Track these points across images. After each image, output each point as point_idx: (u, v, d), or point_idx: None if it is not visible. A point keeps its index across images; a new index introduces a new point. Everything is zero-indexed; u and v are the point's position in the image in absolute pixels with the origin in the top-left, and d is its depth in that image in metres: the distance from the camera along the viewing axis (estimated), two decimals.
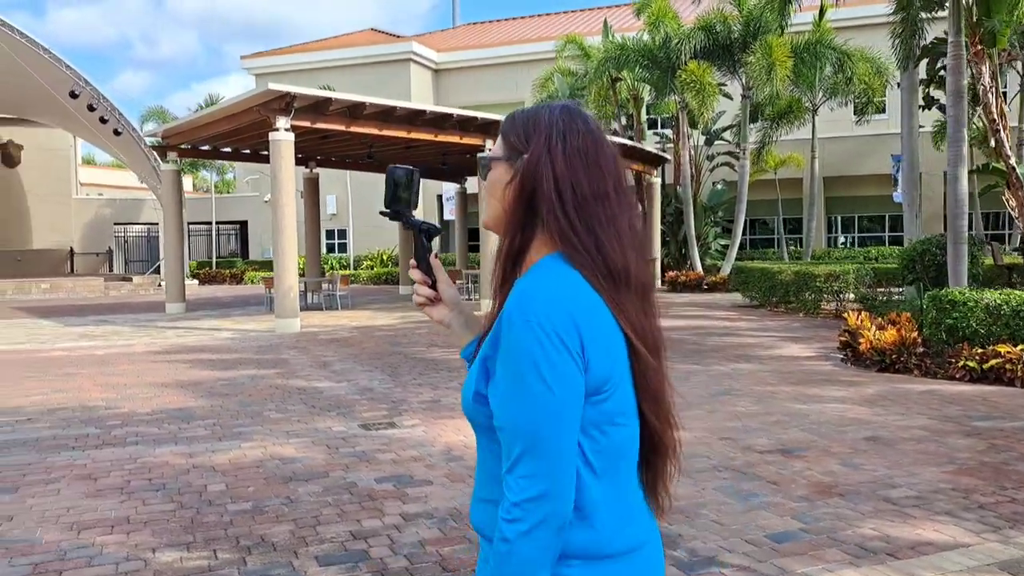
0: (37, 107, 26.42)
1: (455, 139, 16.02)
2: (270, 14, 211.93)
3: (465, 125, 15.99)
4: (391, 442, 5.84)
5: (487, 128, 16.23)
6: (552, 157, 1.22)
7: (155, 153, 23.68)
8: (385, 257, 30.89)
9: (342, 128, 14.51)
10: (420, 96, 30.53)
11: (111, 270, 33.74)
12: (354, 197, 30.42)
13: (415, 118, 15.31)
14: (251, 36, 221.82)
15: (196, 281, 29.20)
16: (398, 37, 33.32)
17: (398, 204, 1.37)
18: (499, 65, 32.47)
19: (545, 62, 29.10)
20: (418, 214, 1.43)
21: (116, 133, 22.38)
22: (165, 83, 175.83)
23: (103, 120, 21.86)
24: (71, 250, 33.07)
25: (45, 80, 20.70)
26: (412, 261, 1.42)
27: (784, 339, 11.50)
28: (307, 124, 13.89)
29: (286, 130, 13.58)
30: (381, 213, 1.43)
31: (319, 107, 13.92)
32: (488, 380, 1.21)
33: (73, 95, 20.80)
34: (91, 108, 21.38)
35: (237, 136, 16.85)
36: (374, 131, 14.86)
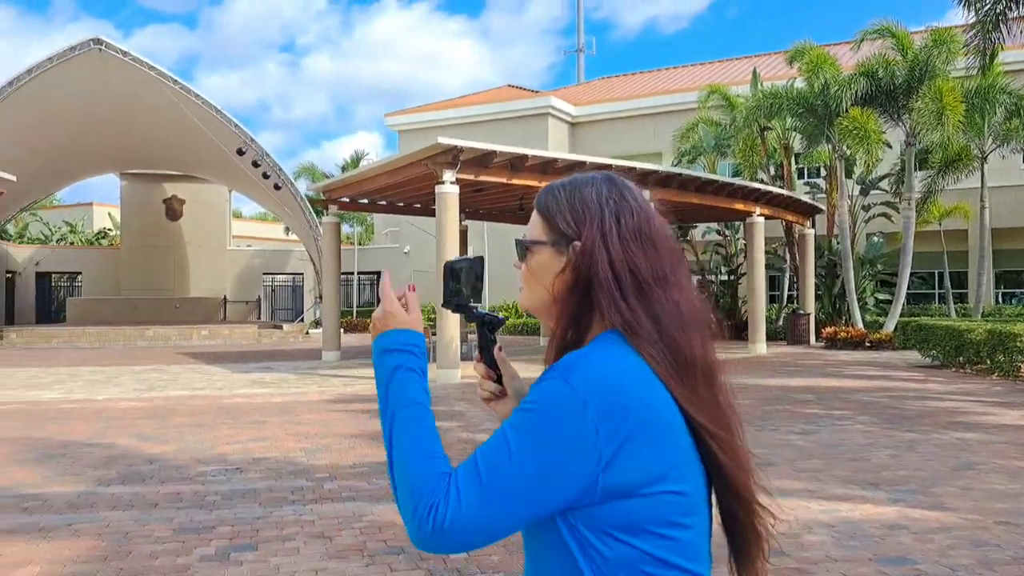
0: (202, 164, 28.32)
1: None
2: (396, 76, 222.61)
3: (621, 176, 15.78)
4: None
5: (643, 179, 16.01)
6: (607, 242, 1.13)
7: (308, 205, 24.80)
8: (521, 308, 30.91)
9: (503, 180, 14.57)
10: (557, 149, 30.74)
11: (259, 317, 35.36)
12: (491, 247, 30.75)
13: (574, 168, 15.19)
14: (377, 97, 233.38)
15: (341, 329, 30.08)
16: (535, 92, 33.89)
17: (460, 297, 1.29)
18: (636, 117, 32.41)
19: (682, 113, 28.84)
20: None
21: (276, 188, 23.55)
22: (299, 142, 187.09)
23: (265, 176, 23.07)
24: (224, 298, 34.89)
25: (215, 139, 22.10)
26: (476, 355, 1.35)
27: (995, 404, 10.41)
28: (471, 177, 14.02)
29: (452, 183, 13.75)
30: (443, 306, 1.33)
31: (483, 160, 14.04)
32: None
33: (240, 152, 22.08)
34: (255, 164, 22.61)
35: (396, 189, 17.28)
36: (534, 183, 14.84)
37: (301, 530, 5.04)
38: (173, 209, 35.00)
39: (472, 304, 1.30)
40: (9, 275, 33.27)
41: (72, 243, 40.15)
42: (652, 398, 1.06)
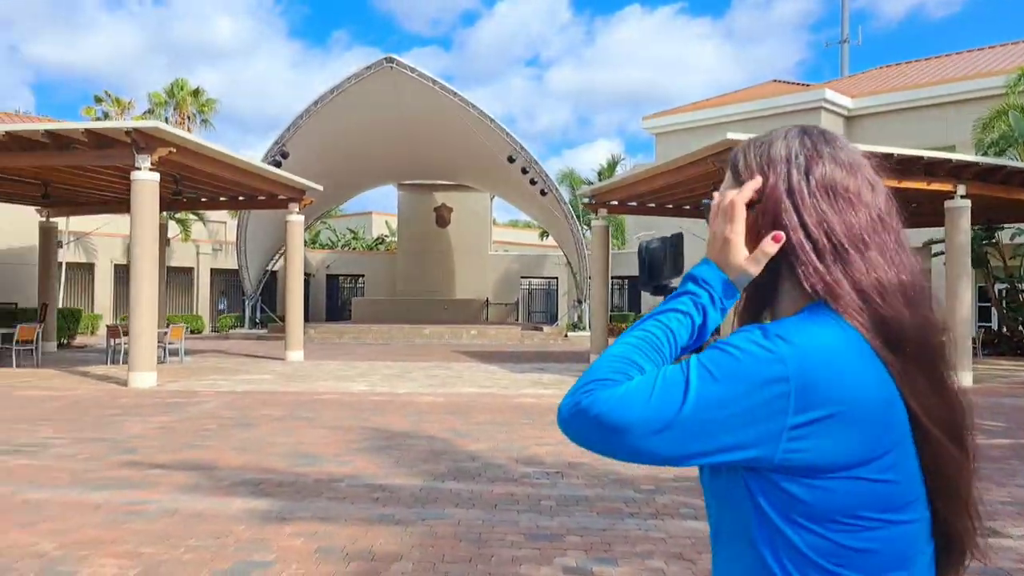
0: (472, 172, 29.75)
1: (920, 185, 14.06)
2: (636, 83, 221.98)
3: (933, 169, 13.99)
4: None
5: (958, 172, 14.11)
6: (795, 198, 1.03)
7: (571, 210, 25.01)
8: None
9: None
10: None
11: (517, 319, 36.55)
12: None
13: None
14: (616, 105, 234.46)
15: None
16: (806, 85, 31.69)
17: (659, 278, 1.25)
18: (922, 107, 29.14)
19: (980, 101, 25.42)
20: None
21: (543, 193, 24.05)
22: (542, 151, 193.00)
23: (533, 182, 23.63)
24: (486, 300, 36.48)
25: (491, 146, 23.02)
26: None
27: None
28: None
29: None
30: (642, 288, 1.27)
31: None
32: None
33: (511, 159, 22.79)
34: (524, 171, 23.24)
35: (670, 191, 16.77)
36: None
37: (656, 548, 4.69)
38: (442, 217, 37.25)
39: (672, 284, 1.25)
40: (305, 276, 37.37)
41: (354, 248, 44.23)
42: (863, 376, 0.96)
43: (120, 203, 19.83)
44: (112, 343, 16.55)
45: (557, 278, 36.68)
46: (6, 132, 12.33)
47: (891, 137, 28.58)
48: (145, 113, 35.26)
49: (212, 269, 32.73)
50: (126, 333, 16.35)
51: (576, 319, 28.32)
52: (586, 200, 18.74)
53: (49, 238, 20.19)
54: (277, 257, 32.03)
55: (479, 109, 22.13)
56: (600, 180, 35.30)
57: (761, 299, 1.11)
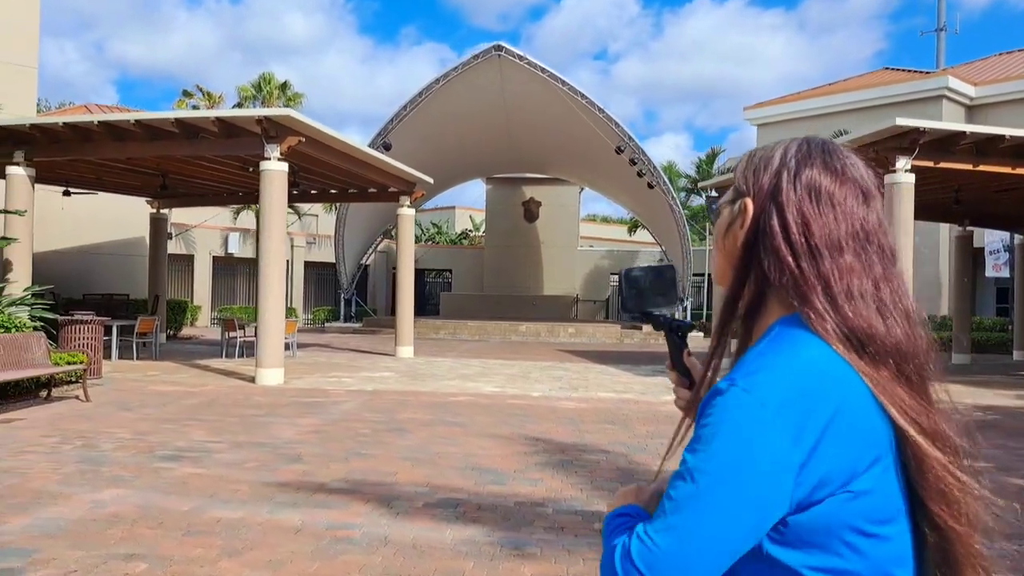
0: (567, 164, 28.94)
1: None
2: (704, 76, 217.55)
3: None
4: None
5: None
6: (778, 198, 1.05)
7: (678, 203, 23.99)
8: None
9: (968, 167, 12.26)
10: None
11: (606, 317, 35.63)
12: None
13: None
14: (684, 99, 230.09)
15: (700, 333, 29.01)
16: (926, 73, 29.81)
17: (642, 303, 1.27)
18: None
19: None
20: None
21: (649, 186, 23.08)
22: None
23: (640, 174, 22.68)
24: (576, 297, 35.67)
25: (592, 137, 22.17)
26: (668, 363, 1.31)
27: None
28: (930, 164, 11.97)
29: (906, 171, 11.83)
30: (624, 311, 1.31)
31: (946, 143, 11.92)
32: None
33: (619, 150, 21.90)
34: (632, 162, 22.31)
35: None
36: (1007, 169, 12.33)
37: None
38: (530, 211, 36.58)
39: (656, 311, 1.28)
40: (393, 271, 37.24)
41: (439, 243, 43.97)
42: (842, 391, 0.95)
43: (230, 196, 19.75)
44: (227, 336, 16.36)
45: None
46: (136, 120, 12.10)
47: (1019, 127, 26.68)
48: (234, 107, 35.56)
49: (306, 262, 32.80)
50: (242, 327, 16.15)
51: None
52: (714, 194, 17.74)
53: (160, 230, 20.25)
54: (371, 251, 31.91)
55: (588, 98, 21.30)
56: (698, 173, 34.07)
57: (746, 309, 1.08)
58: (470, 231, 45.53)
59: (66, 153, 13.30)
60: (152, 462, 6.59)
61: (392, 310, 36.53)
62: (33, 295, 12.08)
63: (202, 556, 4.34)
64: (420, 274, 38.99)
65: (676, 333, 1.28)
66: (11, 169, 13.12)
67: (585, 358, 18.75)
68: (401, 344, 17.68)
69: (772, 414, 0.92)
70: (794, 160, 1.06)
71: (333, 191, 18.74)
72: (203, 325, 28.21)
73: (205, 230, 28.42)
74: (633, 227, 38.57)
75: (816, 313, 0.99)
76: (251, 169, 15.25)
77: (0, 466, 6.30)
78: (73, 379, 10.95)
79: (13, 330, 10.19)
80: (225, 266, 30.38)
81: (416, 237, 44.59)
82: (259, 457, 6.91)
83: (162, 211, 20.32)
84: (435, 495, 5.77)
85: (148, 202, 20.23)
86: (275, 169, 12.07)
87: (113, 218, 23.05)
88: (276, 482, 6.02)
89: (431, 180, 17.90)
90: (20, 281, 12.88)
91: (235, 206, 28.21)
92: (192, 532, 4.75)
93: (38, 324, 11.39)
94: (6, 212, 12.64)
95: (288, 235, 30.95)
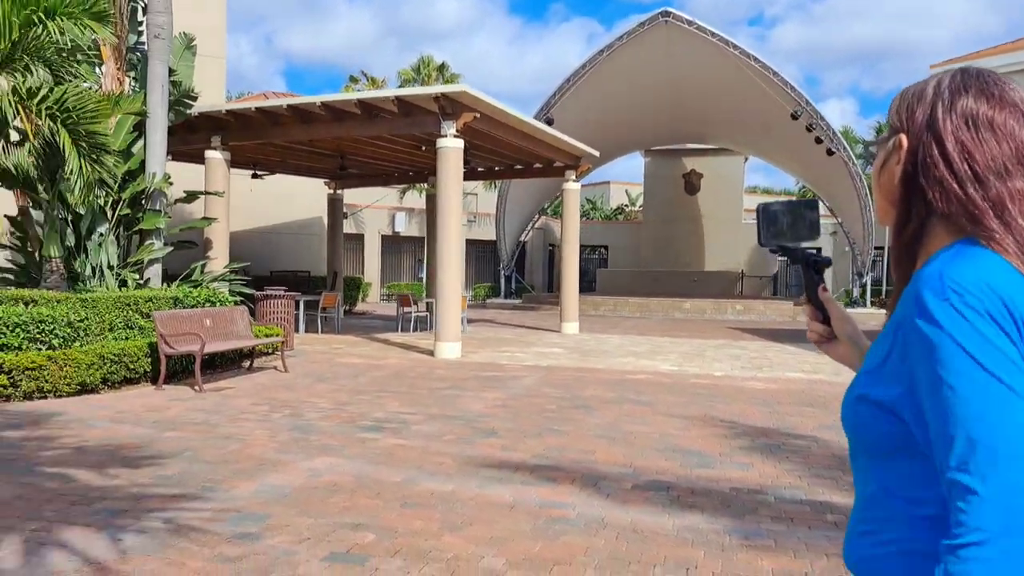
0: (733, 133, 27.66)
1: None
2: (870, 38, 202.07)
3: None
4: None
5: None
6: (935, 129, 1.05)
7: (860, 172, 22.31)
8: None
9: None
10: None
11: (774, 293, 34.01)
12: None
13: None
14: (847, 62, 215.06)
15: (882, 310, 27.09)
16: None
17: (781, 238, 1.30)
18: None
19: None
20: None
21: (829, 153, 21.60)
22: None
23: (818, 140, 21.27)
24: (741, 272, 34.27)
25: (763, 103, 20.97)
26: (802, 297, 1.35)
27: None
28: None
29: None
30: (762, 246, 1.33)
31: None
32: (877, 382, 1.06)
33: (794, 116, 20.61)
34: (809, 128, 20.96)
35: None
36: None
37: None
38: (691, 183, 35.41)
39: (795, 245, 1.30)
40: (551, 248, 37.24)
41: (594, 219, 43.58)
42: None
43: (401, 175, 20.31)
44: (402, 311, 16.87)
45: (820, 248, 33.50)
46: (322, 103, 12.57)
47: None
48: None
49: (467, 240, 33.43)
50: (415, 303, 16.59)
51: (857, 294, 25.50)
52: (870, 139, 16.29)
53: (336, 210, 21.18)
54: (529, 229, 32.05)
55: (762, 62, 20.14)
56: (877, 138, 31.60)
57: (908, 242, 1.09)
58: (626, 206, 44.82)
59: (257, 137, 14.05)
60: (356, 432, 6.77)
61: (549, 287, 36.80)
62: (232, 271, 12.88)
63: (424, 529, 4.32)
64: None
65: (813, 268, 1.30)
66: (209, 153, 14.03)
67: (758, 336, 17.88)
68: (566, 320, 17.57)
69: (978, 308, 0.94)
70: (947, 91, 1.06)
71: (498, 168, 18.82)
72: (373, 301, 29.42)
73: (374, 210, 29.55)
74: (801, 198, 36.47)
75: (993, 233, 1.01)
76: (424, 148, 15.55)
77: (222, 432, 6.67)
78: (269, 351, 11.59)
79: (218, 304, 10.89)
80: (392, 244, 31.51)
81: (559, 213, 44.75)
82: (454, 430, 6.93)
83: (338, 192, 21.22)
84: (641, 476, 5.53)
85: (325, 183, 21.19)
86: (451, 146, 12.17)
87: (292, 199, 24.36)
88: (477, 456, 6.00)
89: (597, 153, 17.56)
90: (219, 258, 13.79)
91: (401, 186, 29.17)
92: (409, 504, 4.76)
93: (237, 299, 12.13)
94: (206, 193, 13.53)
95: None
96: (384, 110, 12.60)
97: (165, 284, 12.10)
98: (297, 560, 3.82)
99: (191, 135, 14.08)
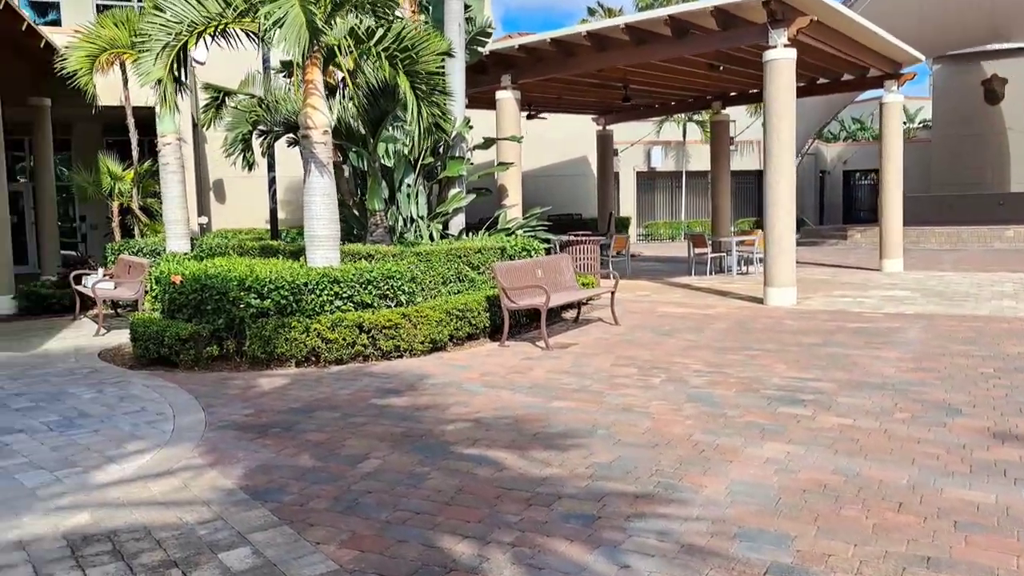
0: None
1: None
2: None
3: None
4: None
5: None
6: None
7: None
8: None
9: None
10: None
11: None
12: None
13: None
14: None
15: None
16: None
17: None
18: None
19: None
20: None
21: None
22: None
23: None
24: None
25: None
26: None
27: None
28: None
29: None
30: None
31: None
32: None
33: None
34: None
35: None
36: None
37: None
38: (993, 91, 30.23)
39: None
40: (822, 175, 33.98)
41: (861, 140, 39.05)
42: None
43: (679, 104, 18.74)
44: (694, 253, 15.53)
45: None
46: (625, 25, 11.33)
47: None
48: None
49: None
50: (709, 243, 15.20)
51: None
52: None
53: (607, 147, 20.10)
54: (801, 155, 29.07)
55: None
56: None
57: None
58: (904, 123, 39.62)
59: (547, 72, 13.17)
60: (771, 405, 5.60)
61: (821, 219, 33.63)
62: (536, 217, 12.22)
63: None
64: (847, 177, 35.04)
65: None
66: (500, 94, 13.38)
67: None
68: (888, 257, 15.27)
69: None
70: None
71: (801, 84, 16.58)
72: (630, 241, 28.31)
73: (628, 146, 28.20)
74: None
75: None
76: (721, 68, 13.90)
77: (613, 402, 5.80)
78: (585, 302, 10.78)
79: (533, 253, 10.19)
80: (646, 181, 30.09)
81: (833, 135, 40.42)
82: (896, 403, 5.54)
83: (607, 128, 20.09)
84: None
85: (594, 119, 20.13)
86: (782, 58, 10.44)
87: (557, 139, 23.60)
88: (970, 443, 4.58)
89: (922, 57, 14.81)
90: (515, 205, 13.21)
91: (658, 119, 27.48)
92: (963, 524, 3.49)
93: (546, 246, 11.42)
94: (505, 139, 12.89)
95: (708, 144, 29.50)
96: (696, 26, 11.12)
97: (470, 233, 11.69)
98: None
99: (479, 75, 13.49)
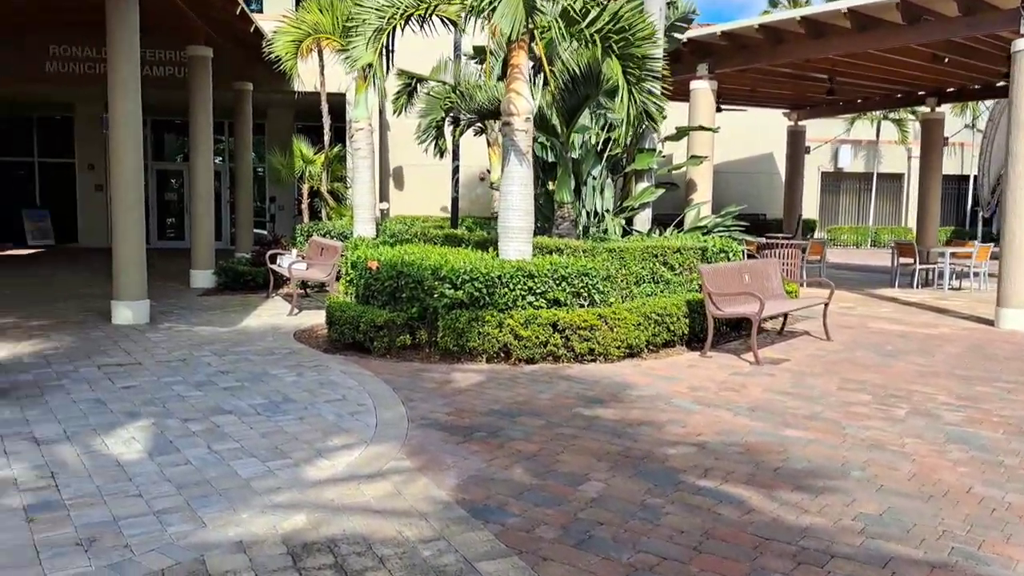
0: None
1: None
2: None
3: None
4: None
5: None
6: None
7: None
8: None
9: None
10: None
11: None
12: None
13: None
14: None
15: None
16: None
17: None
18: None
19: None
20: None
21: None
22: None
23: None
24: None
25: None
26: None
27: None
28: None
29: None
30: None
31: None
32: None
33: None
34: None
35: None
36: None
37: None
38: None
39: None
40: None
41: None
42: None
43: (885, 99, 17.14)
44: (898, 263, 14.08)
45: None
46: (848, 9, 10.25)
47: None
48: None
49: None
50: (918, 254, 13.73)
51: None
52: None
53: (798, 143, 18.75)
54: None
55: None
56: None
57: None
58: None
59: (750, 61, 12.25)
60: None
61: None
62: (732, 216, 11.38)
63: None
64: None
65: None
66: (695, 83, 12.61)
67: None
68: None
69: None
70: None
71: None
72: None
73: (815, 144, 26.36)
74: None
75: None
76: (946, 60, 12.42)
77: (856, 435, 5.03)
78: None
79: (732, 256, 9.41)
80: (832, 182, 28.06)
81: None
82: None
83: (799, 123, 18.73)
84: None
85: (785, 114, 18.82)
86: None
87: (742, 134, 22.34)
88: None
89: None
90: (706, 202, 12.43)
91: (849, 116, 25.49)
92: None
93: (743, 248, 10.60)
94: (698, 129, 12.10)
95: (906, 145, 27.08)
96: (933, 12, 9.88)
97: (658, 230, 11.05)
98: None
99: (673, 64, 12.73)
